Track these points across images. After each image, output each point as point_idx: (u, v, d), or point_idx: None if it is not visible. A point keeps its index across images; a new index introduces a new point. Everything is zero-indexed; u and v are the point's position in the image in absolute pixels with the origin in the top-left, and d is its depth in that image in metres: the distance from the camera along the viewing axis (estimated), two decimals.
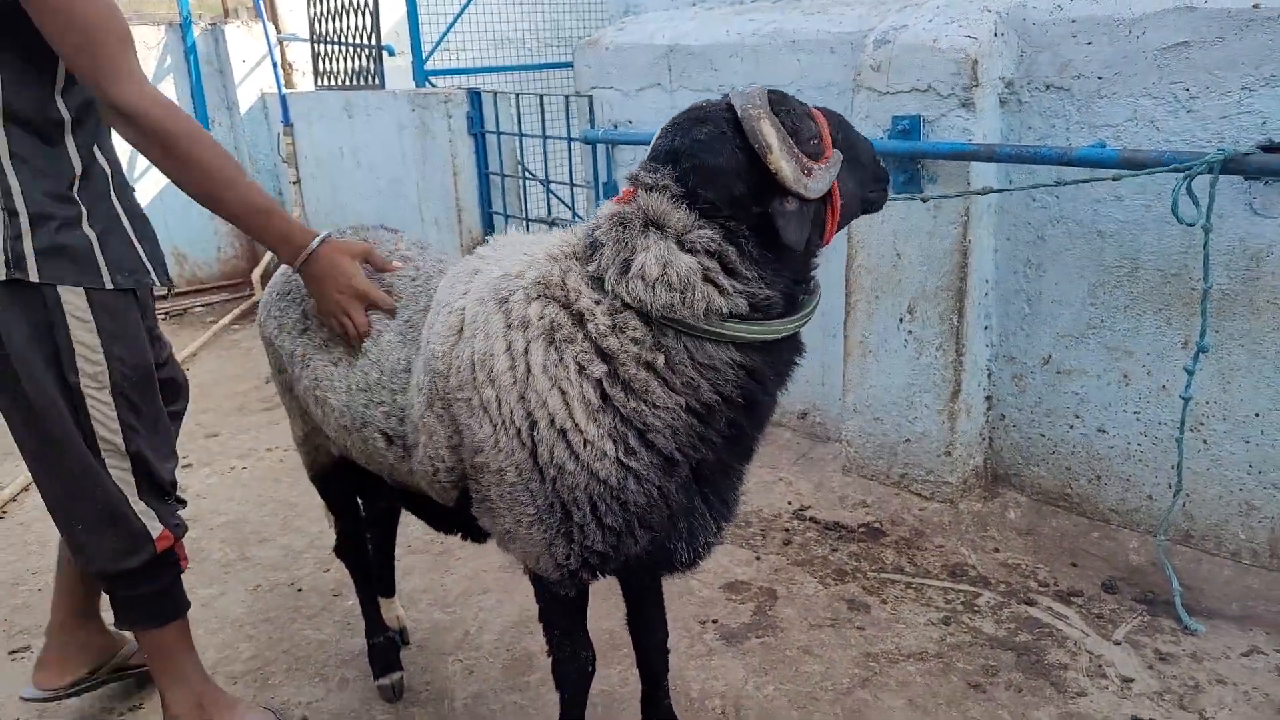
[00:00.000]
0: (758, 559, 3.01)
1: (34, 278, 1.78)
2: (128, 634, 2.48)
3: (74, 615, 2.38)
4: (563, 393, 1.55)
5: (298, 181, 6.65)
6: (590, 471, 1.56)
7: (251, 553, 3.25)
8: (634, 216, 1.51)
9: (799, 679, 2.43)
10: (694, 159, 1.47)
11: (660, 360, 1.51)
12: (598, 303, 1.54)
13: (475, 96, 4.94)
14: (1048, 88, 2.87)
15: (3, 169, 1.76)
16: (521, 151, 4.98)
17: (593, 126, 4.35)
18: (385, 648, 2.48)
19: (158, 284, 2.00)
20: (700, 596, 2.81)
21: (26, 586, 3.09)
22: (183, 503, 2.16)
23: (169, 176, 1.82)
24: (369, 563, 2.54)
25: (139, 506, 1.98)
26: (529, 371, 1.57)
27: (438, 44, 5.79)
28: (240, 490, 3.73)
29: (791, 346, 1.62)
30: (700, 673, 2.47)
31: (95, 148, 1.90)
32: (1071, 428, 3.03)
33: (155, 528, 2.00)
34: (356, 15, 5.73)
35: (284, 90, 6.54)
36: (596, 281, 1.55)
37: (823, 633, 2.63)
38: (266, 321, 2.19)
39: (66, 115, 1.82)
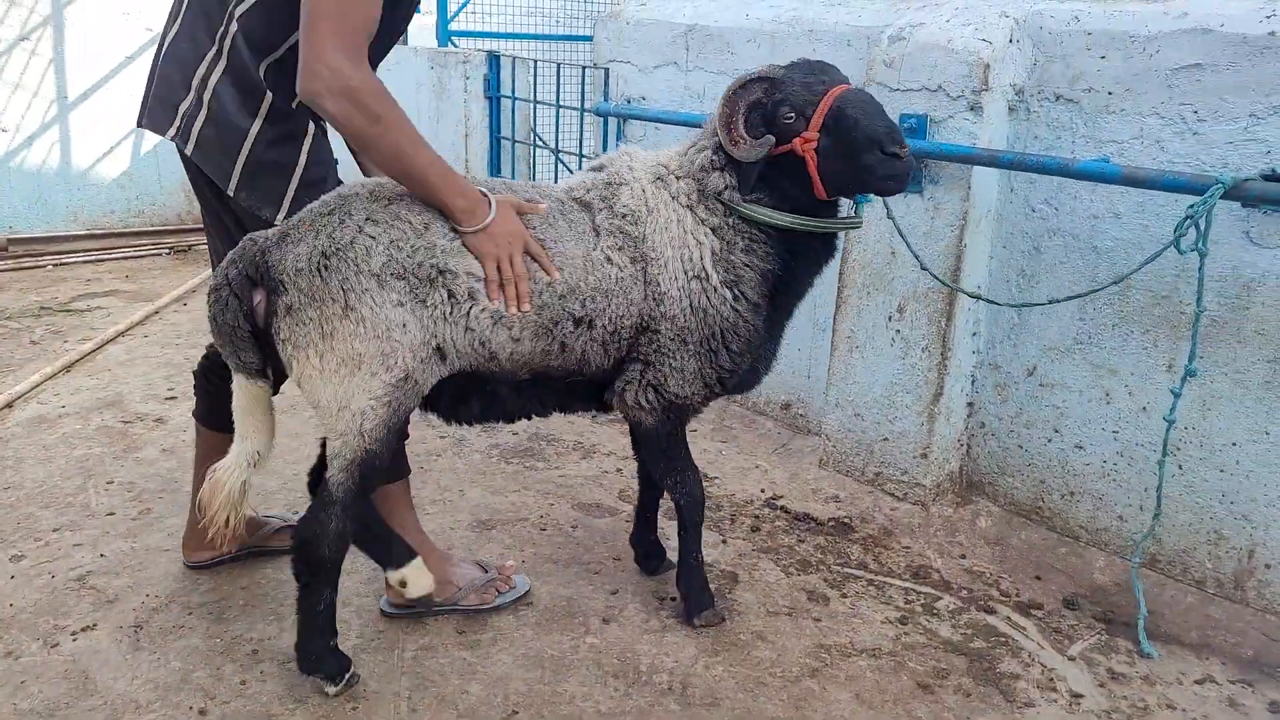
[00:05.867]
0: (724, 542, 3.02)
1: None
2: (271, 517, 2.83)
3: None
4: (699, 244, 2.24)
5: None
6: (721, 314, 2.25)
7: None
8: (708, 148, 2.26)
9: (749, 663, 2.44)
10: None
11: (727, 228, 2.25)
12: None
13: (494, 60, 4.92)
14: (1057, 99, 2.85)
15: None
16: (535, 119, 4.96)
17: (606, 100, 4.33)
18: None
19: None
20: (662, 573, 2.81)
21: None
22: None
23: (362, 143, 2.01)
24: None
25: None
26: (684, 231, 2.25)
27: (464, 4, 5.77)
28: None
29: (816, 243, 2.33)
30: (651, 647, 2.48)
31: None
32: (1049, 441, 3.02)
33: None
34: None
35: None
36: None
37: (779, 620, 2.63)
38: (376, 248, 1.99)
39: None
